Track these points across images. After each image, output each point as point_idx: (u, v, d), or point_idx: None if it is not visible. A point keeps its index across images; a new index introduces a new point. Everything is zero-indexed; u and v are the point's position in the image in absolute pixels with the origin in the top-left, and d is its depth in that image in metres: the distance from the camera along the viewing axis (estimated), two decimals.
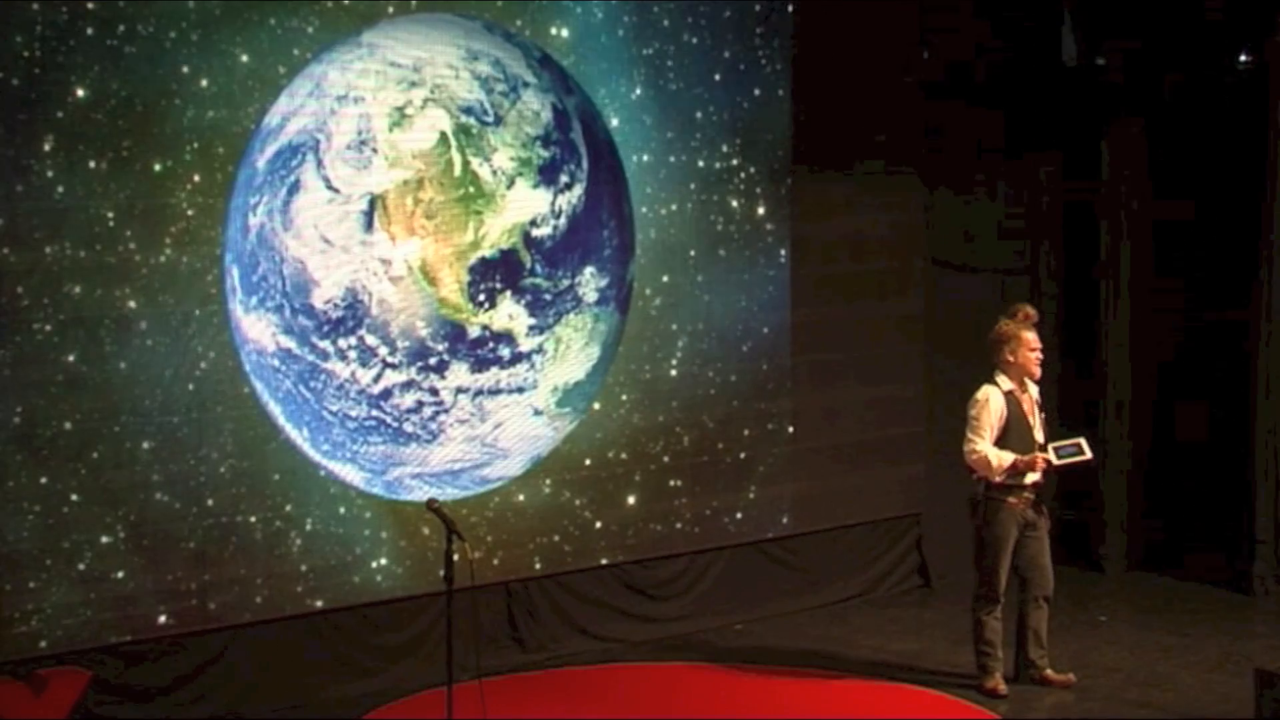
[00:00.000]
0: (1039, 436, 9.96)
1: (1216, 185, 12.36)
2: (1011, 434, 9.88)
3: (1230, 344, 12.34)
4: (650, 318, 11.08)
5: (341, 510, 10.02)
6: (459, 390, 10.28)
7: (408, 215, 10.02)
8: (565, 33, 10.62)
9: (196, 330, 9.45)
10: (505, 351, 10.42)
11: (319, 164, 9.74)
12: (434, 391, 10.20)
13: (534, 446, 10.66)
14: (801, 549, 11.82)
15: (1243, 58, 12.29)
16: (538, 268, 10.48)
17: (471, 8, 10.29)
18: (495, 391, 10.42)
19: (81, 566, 9.17)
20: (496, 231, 10.33)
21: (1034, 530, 10.02)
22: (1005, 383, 9.94)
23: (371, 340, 9.95)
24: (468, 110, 10.21)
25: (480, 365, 10.33)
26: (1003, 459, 9.81)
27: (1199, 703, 9.94)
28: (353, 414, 9.96)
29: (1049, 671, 10.12)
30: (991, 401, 9.91)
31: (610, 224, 10.83)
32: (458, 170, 10.19)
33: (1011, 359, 9.94)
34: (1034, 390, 10.05)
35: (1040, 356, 10.00)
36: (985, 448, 9.83)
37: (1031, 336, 9.97)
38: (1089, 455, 10.01)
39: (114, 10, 9.11)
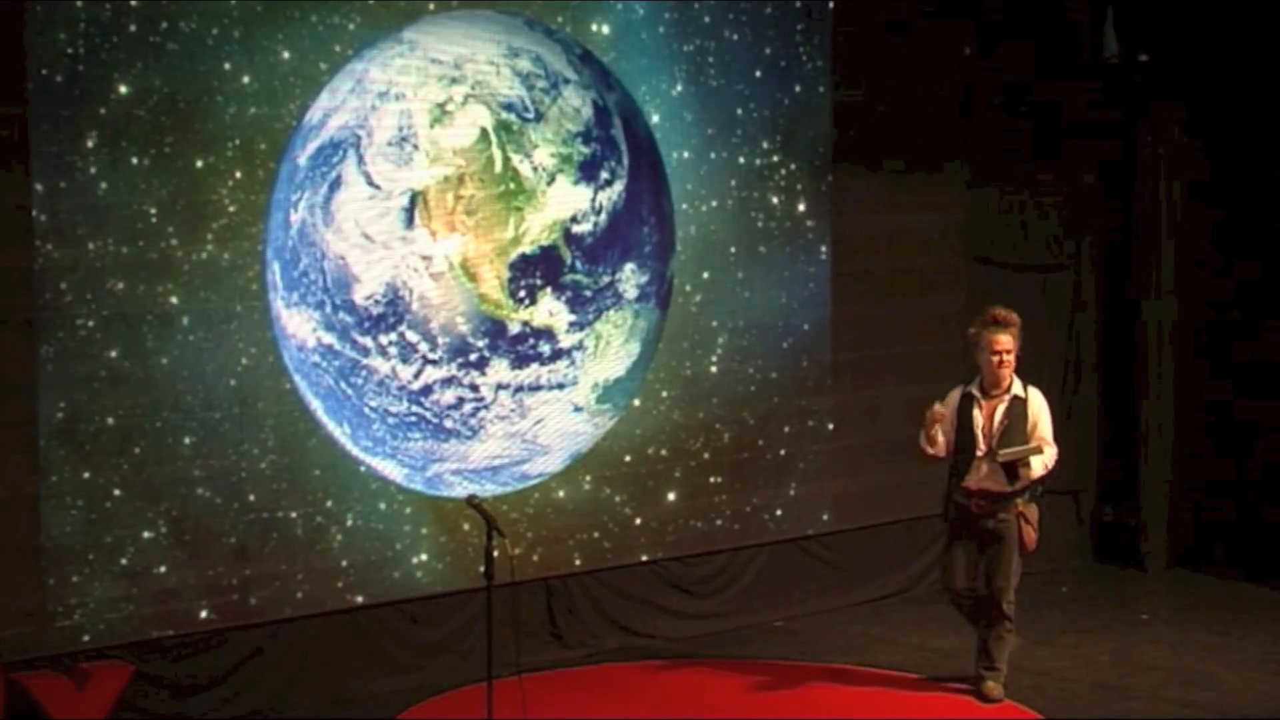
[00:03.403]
0: (983, 445, 9.58)
1: (1261, 182, 12.30)
2: (957, 436, 9.70)
3: (1275, 339, 12.27)
4: (690, 314, 11.07)
5: (382, 506, 10.03)
6: (499, 386, 10.29)
7: (448, 211, 10.03)
8: (606, 29, 10.62)
9: (238, 326, 9.48)
10: (545, 348, 10.42)
11: (360, 160, 9.75)
12: (474, 388, 10.21)
13: (574, 443, 10.66)
14: (841, 546, 11.80)
15: None
16: (578, 264, 10.48)
17: (513, 5, 10.29)
18: (535, 388, 10.42)
19: (124, 561, 9.21)
20: (537, 228, 10.33)
21: (980, 540, 9.70)
22: (974, 386, 9.71)
23: (412, 336, 9.96)
24: (508, 107, 10.22)
25: (520, 361, 10.34)
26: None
27: (1240, 702, 9.89)
28: (393, 410, 9.97)
29: (987, 684, 9.80)
30: (947, 398, 9.78)
31: (650, 220, 10.82)
32: (498, 166, 10.19)
33: (978, 362, 9.74)
34: (1009, 401, 9.59)
35: (1002, 359, 9.55)
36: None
37: (997, 338, 9.57)
38: (1014, 457, 9.49)
39: (156, 7, 9.14)
